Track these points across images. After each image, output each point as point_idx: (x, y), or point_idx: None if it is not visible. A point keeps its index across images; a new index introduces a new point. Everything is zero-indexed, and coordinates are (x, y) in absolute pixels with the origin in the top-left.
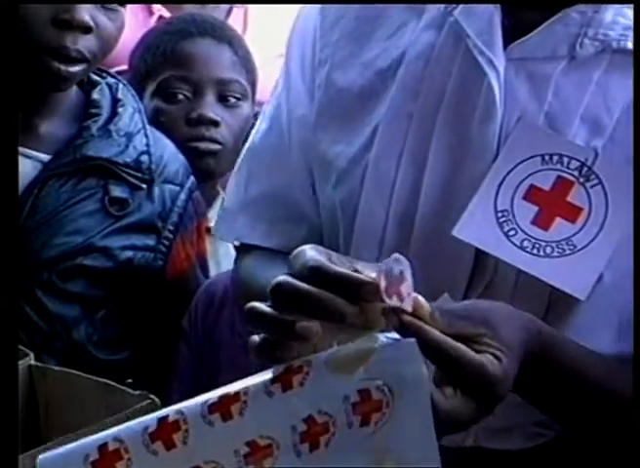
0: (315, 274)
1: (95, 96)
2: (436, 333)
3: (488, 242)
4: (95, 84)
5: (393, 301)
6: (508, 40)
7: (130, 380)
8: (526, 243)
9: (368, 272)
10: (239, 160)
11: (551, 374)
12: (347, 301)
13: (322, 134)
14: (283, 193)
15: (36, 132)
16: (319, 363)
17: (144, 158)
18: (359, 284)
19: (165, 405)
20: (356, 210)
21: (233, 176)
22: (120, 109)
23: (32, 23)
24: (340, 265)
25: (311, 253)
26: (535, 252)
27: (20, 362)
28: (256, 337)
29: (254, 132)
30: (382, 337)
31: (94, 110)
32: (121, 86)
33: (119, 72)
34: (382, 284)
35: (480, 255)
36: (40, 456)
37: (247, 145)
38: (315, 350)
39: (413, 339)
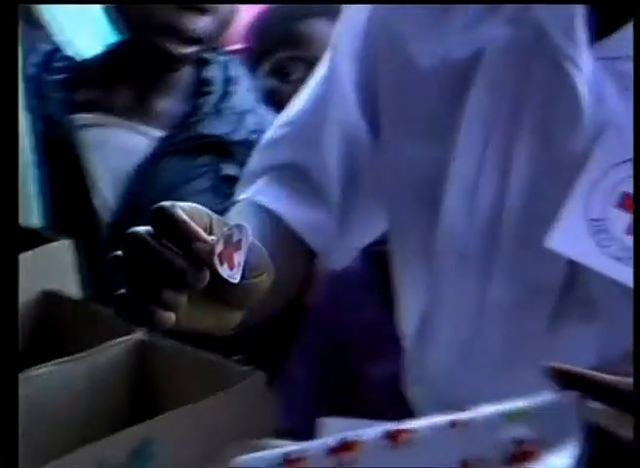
0: (162, 222)
1: (208, 73)
2: (597, 376)
3: (581, 253)
4: (208, 62)
5: (223, 268)
6: (594, 38)
7: (239, 356)
8: (622, 254)
9: None
10: (270, 130)
11: None
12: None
13: (394, 132)
14: (306, 168)
15: (151, 108)
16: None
17: (255, 137)
18: (193, 235)
19: (276, 381)
20: (439, 212)
21: (261, 144)
22: (233, 87)
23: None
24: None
25: (183, 204)
26: (631, 263)
27: (129, 336)
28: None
29: (293, 105)
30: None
31: (207, 88)
32: (234, 64)
33: (232, 51)
34: (217, 248)
35: (572, 264)
36: None
37: (282, 118)
38: (183, 322)
39: (573, 391)
